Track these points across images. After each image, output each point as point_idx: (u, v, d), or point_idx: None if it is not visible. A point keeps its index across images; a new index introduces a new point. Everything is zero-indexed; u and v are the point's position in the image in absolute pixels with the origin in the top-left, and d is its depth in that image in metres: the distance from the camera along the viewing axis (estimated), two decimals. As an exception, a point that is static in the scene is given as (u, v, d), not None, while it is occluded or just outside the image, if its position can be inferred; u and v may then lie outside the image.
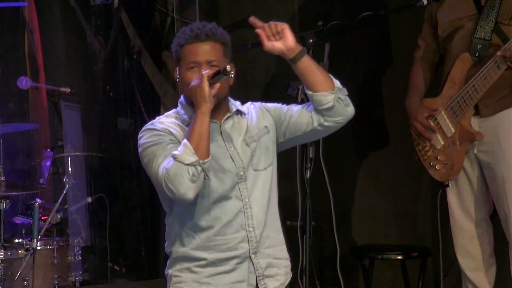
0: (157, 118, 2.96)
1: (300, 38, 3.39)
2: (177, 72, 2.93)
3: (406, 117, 4.14)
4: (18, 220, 4.87)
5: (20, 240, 4.64)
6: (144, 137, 2.87)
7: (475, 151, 3.94)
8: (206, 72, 2.80)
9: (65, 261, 4.72)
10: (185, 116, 2.92)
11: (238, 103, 3.02)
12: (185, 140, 2.77)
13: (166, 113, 2.99)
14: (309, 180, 4.12)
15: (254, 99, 3.07)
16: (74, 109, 5.80)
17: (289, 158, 4.30)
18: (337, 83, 2.91)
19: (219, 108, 2.91)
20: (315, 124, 2.92)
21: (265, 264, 2.92)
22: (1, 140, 4.93)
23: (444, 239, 4.18)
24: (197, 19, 5.23)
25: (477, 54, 3.85)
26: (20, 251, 4.51)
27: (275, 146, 2.99)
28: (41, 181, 5.25)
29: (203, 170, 2.74)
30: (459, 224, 4.05)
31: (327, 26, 4.08)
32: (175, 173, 2.72)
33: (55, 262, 4.65)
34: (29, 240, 4.38)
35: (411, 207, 4.86)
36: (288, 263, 3.05)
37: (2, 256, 4.48)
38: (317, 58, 4.08)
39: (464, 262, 4.05)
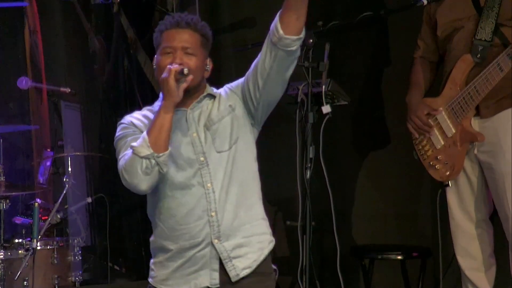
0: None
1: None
2: (155, 60, 2.93)
3: (406, 117, 4.13)
4: (18, 220, 4.88)
5: (20, 240, 4.65)
6: (116, 132, 2.95)
7: (476, 151, 3.93)
8: (175, 66, 2.80)
9: (65, 261, 4.73)
10: (157, 108, 2.93)
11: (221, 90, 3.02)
12: (144, 133, 2.81)
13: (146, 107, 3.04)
14: (309, 180, 4.12)
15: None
16: (74, 109, 5.80)
17: (289, 158, 4.30)
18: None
19: (190, 96, 2.91)
20: (267, 66, 2.85)
21: (231, 246, 2.89)
22: (1, 140, 4.92)
23: (444, 239, 4.17)
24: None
25: (479, 55, 3.84)
26: (20, 251, 4.51)
27: (246, 120, 2.96)
28: (41, 181, 5.25)
29: (157, 163, 2.76)
30: (459, 225, 4.04)
31: (327, 26, 4.08)
32: (130, 164, 2.79)
33: (55, 262, 4.66)
34: (29, 240, 4.37)
35: (411, 207, 4.85)
36: (263, 237, 2.97)
37: (2, 256, 4.48)
38: (317, 58, 4.09)
39: (464, 262, 4.05)
